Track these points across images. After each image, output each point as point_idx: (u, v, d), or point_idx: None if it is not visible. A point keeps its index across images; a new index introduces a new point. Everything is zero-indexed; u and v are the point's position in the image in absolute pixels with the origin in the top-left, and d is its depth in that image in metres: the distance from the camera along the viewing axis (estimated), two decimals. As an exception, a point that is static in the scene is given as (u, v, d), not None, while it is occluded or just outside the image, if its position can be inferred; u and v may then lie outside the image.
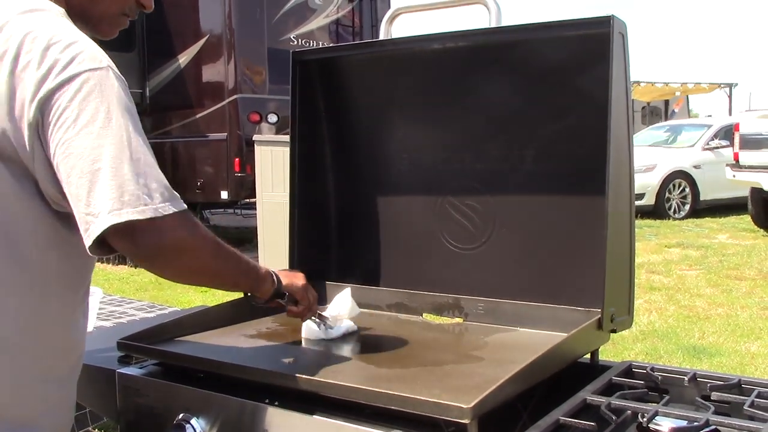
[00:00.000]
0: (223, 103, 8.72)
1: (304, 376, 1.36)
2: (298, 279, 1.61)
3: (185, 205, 1.25)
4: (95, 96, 1.19)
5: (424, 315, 1.95)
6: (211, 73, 8.92)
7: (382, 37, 1.93)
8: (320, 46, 9.18)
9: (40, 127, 1.19)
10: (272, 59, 8.77)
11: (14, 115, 1.19)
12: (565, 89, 1.77)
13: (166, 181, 1.24)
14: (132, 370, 1.59)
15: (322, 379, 1.37)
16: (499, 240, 1.88)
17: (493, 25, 1.76)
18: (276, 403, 1.37)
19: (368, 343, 1.75)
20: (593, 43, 1.60)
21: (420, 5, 1.90)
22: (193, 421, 1.44)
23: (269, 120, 8.70)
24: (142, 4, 1.43)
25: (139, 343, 1.60)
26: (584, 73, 1.71)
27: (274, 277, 1.53)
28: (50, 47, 1.20)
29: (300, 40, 9.12)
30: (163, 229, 1.20)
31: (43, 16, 1.25)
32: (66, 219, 1.26)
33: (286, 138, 2.11)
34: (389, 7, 9.73)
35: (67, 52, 1.20)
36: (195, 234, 1.27)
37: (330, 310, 1.75)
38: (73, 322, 1.39)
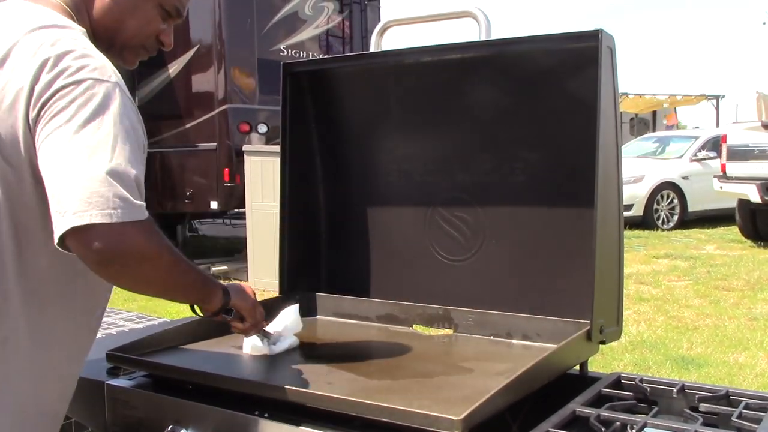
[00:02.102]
0: (213, 113, 8.71)
1: (293, 388, 1.36)
2: (248, 296, 1.58)
3: (148, 214, 1.24)
4: (94, 104, 1.22)
5: (414, 326, 1.95)
6: (201, 83, 8.92)
7: (372, 49, 1.93)
8: (310, 56, 9.20)
9: (34, 122, 1.22)
10: (262, 69, 8.77)
11: (27, 115, 1.22)
12: (553, 102, 1.79)
13: (138, 191, 1.23)
14: (121, 382, 1.59)
15: (312, 391, 1.37)
16: (488, 251, 1.89)
17: (483, 37, 1.77)
18: (266, 415, 1.37)
19: (358, 355, 1.75)
20: (582, 57, 1.61)
21: (410, 18, 1.91)
22: (183, 432, 1.43)
23: (259, 130, 8.70)
24: (162, 42, 1.48)
25: (128, 354, 1.60)
26: (573, 86, 1.73)
27: (223, 293, 1.50)
28: (66, 54, 1.23)
29: (290, 50, 9.13)
30: (124, 235, 1.19)
31: (66, 32, 1.29)
32: None
33: (276, 148, 2.11)
34: (379, 18, 9.78)
35: (80, 61, 1.24)
36: (155, 243, 1.26)
37: (273, 325, 1.73)
38: (74, 346, 1.40)
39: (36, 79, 1.22)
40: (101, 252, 1.19)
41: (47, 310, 1.34)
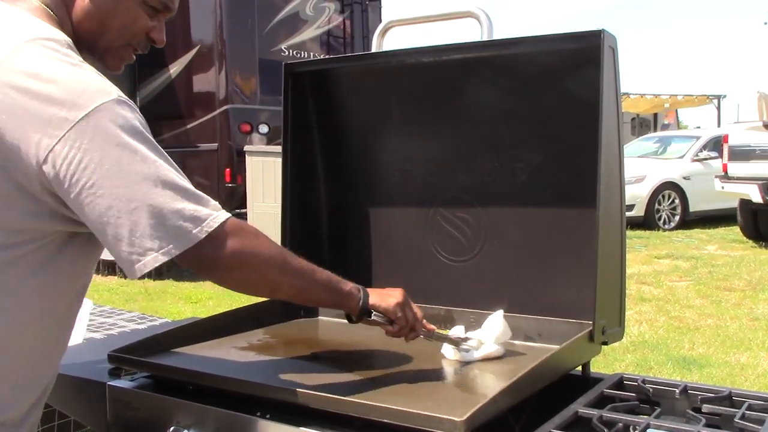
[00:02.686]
0: (214, 113, 8.72)
1: (295, 389, 1.36)
2: (392, 297, 1.51)
3: (226, 215, 1.26)
4: (114, 131, 1.18)
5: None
6: (202, 83, 8.93)
7: (374, 49, 1.93)
8: (311, 56, 9.21)
9: (50, 165, 1.16)
10: (263, 70, 8.78)
11: (19, 152, 1.16)
12: (555, 102, 1.78)
13: (199, 194, 1.26)
14: (123, 383, 1.58)
15: (313, 392, 1.36)
16: (490, 252, 1.89)
17: (485, 37, 1.77)
18: (268, 416, 1.36)
19: (360, 356, 1.75)
20: (584, 57, 1.61)
21: (412, 18, 1.91)
22: (184, 434, 1.43)
23: (260, 130, 8.71)
24: (152, 39, 1.41)
25: (130, 355, 1.59)
26: (575, 86, 1.72)
27: (360, 294, 1.47)
28: (55, 85, 1.16)
29: (291, 50, 9.14)
30: (213, 248, 1.23)
31: (49, 46, 1.21)
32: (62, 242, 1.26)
33: (277, 149, 2.12)
34: (380, 18, 9.79)
35: (75, 90, 1.17)
36: (250, 247, 1.28)
37: (476, 332, 1.67)
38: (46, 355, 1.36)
39: (33, 112, 1.16)
40: (201, 266, 1.25)
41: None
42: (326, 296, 1.45)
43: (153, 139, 1.25)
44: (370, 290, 1.50)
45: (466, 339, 1.64)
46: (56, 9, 1.32)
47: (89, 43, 1.35)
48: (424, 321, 1.58)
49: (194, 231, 1.21)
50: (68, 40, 1.27)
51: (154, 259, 1.19)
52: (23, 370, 1.31)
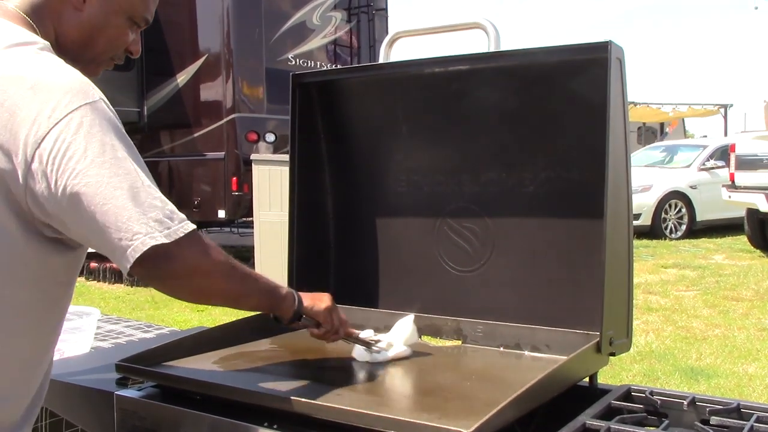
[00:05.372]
0: (221, 122, 8.75)
1: (302, 399, 1.36)
2: (322, 302, 1.60)
3: (195, 226, 1.28)
4: (97, 129, 1.21)
5: (423, 337, 1.95)
6: (209, 92, 8.96)
7: (381, 60, 1.94)
8: (318, 66, 9.24)
9: (37, 162, 1.19)
10: (270, 79, 8.81)
11: (8, 154, 1.19)
12: (562, 113, 1.79)
13: (169, 202, 1.27)
14: (130, 393, 1.59)
15: (320, 403, 1.36)
16: (497, 262, 1.89)
17: (492, 48, 1.77)
18: (275, 426, 1.36)
19: (365, 366, 1.75)
20: (591, 68, 1.61)
21: (420, 29, 1.92)
22: (192, 444, 1.43)
23: (267, 139, 8.73)
24: (130, 51, 1.47)
25: (137, 365, 1.60)
26: (582, 97, 1.73)
27: (295, 298, 1.53)
28: (39, 86, 1.20)
29: (298, 60, 9.17)
30: (179, 252, 1.24)
31: (28, 51, 1.25)
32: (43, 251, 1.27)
33: (284, 157, 2.13)
34: (387, 27, 9.82)
35: (59, 91, 1.20)
36: (207, 256, 1.30)
37: (387, 335, 1.76)
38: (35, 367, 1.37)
39: (18, 116, 1.19)
40: (160, 270, 1.25)
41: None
42: (265, 301, 1.49)
43: (132, 144, 1.28)
44: (302, 294, 1.56)
45: (377, 341, 1.71)
46: (34, 15, 1.34)
47: (75, 52, 1.39)
48: (347, 325, 1.67)
49: (174, 227, 1.23)
50: (47, 43, 1.31)
51: (142, 242, 1.19)
52: (11, 373, 1.32)
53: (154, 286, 1.30)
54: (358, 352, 1.71)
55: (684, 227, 12.67)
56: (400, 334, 1.76)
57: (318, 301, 1.59)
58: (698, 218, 12.73)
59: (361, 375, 1.67)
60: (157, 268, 1.24)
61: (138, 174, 1.23)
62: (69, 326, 2.20)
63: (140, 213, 1.20)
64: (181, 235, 1.23)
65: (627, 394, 1.52)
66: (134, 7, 1.41)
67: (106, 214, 1.19)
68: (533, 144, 1.83)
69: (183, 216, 1.27)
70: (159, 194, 1.25)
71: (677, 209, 12.66)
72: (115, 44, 1.43)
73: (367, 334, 1.75)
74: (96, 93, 1.25)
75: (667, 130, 23.30)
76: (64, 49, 1.36)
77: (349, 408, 1.32)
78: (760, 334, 6.02)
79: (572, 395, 1.48)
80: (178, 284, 1.30)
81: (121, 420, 1.56)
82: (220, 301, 1.40)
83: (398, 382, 1.60)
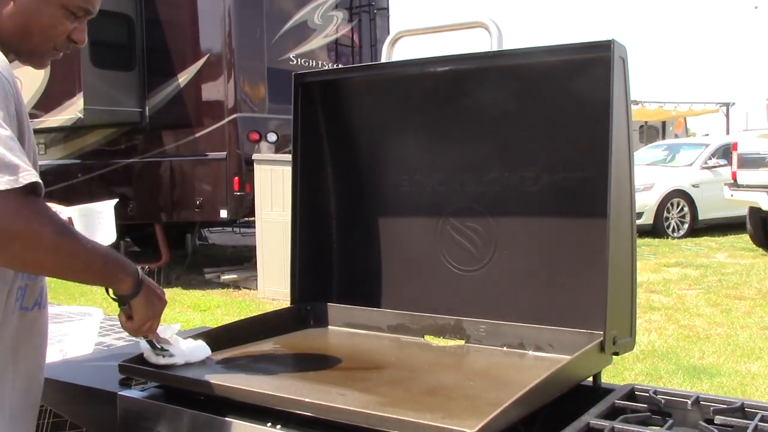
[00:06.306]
0: (223, 122, 8.74)
1: (306, 400, 1.36)
2: (155, 303, 1.49)
3: (33, 185, 1.20)
4: None
5: (426, 337, 1.95)
6: (210, 92, 8.95)
7: (383, 59, 1.94)
8: (320, 65, 9.23)
9: None
10: (272, 79, 8.79)
11: None
12: (565, 112, 1.78)
13: (16, 161, 1.19)
14: (133, 393, 1.59)
15: (324, 403, 1.36)
16: (500, 262, 1.88)
17: (495, 47, 1.77)
18: (278, 427, 1.36)
19: (370, 366, 1.75)
20: (594, 67, 1.61)
21: (422, 29, 1.92)
22: (195, 444, 1.43)
23: (268, 139, 8.72)
24: (74, 40, 1.45)
25: (140, 365, 1.60)
26: (585, 96, 1.72)
27: (134, 284, 1.42)
28: None
29: (299, 59, 9.16)
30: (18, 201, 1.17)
31: None
32: None
33: (286, 157, 2.13)
34: (388, 27, 9.80)
35: None
36: (32, 222, 1.21)
37: (177, 341, 1.65)
38: None
39: None
40: None
41: None
42: (95, 272, 1.37)
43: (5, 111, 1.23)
44: (149, 285, 1.46)
45: (167, 343, 1.61)
46: None
47: (13, 45, 1.39)
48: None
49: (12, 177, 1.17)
50: None
51: None
52: None
53: None
54: (146, 351, 1.61)
55: (686, 226, 12.64)
56: (188, 351, 1.65)
57: (153, 298, 1.48)
58: (700, 217, 12.70)
59: (363, 375, 1.67)
60: None
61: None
62: (72, 327, 2.20)
63: None
64: (25, 183, 1.17)
65: (631, 394, 1.52)
66: None
67: None
68: (536, 143, 1.83)
69: (13, 172, 1.18)
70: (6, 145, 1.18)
71: (679, 208, 12.64)
72: (50, 34, 1.41)
73: (164, 331, 1.62)
74: None
75: (670, 128, 23.28)
76: (5, 42, 1.37)
77: (353, 408, 1.32)
78: (763, 332, 6.01)
79: (576, 395, 1.48)
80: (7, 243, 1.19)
81: (123, 420, 1.57)
82: (41, 272, 1.35)
83: (402, 381, 1.60)
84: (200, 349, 1.68)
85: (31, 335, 1.44)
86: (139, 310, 1.46)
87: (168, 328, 1.64)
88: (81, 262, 1.32)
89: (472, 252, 1.92)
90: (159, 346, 1.61)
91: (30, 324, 1.44)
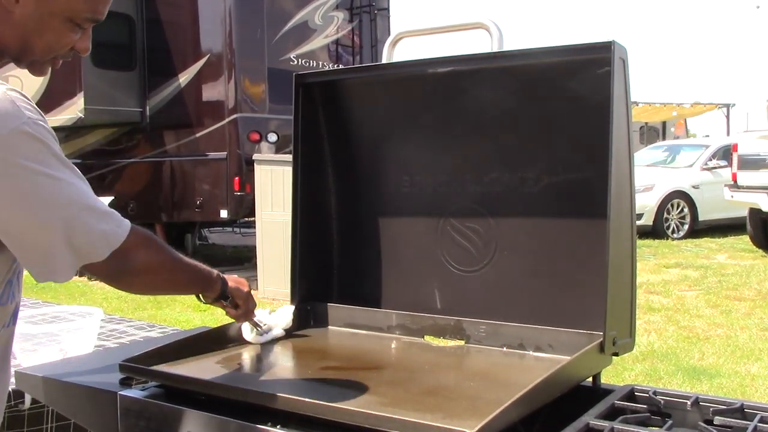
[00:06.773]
0: (223, 122, 8.75)
1: (306, 400, 1.36)
2: (243, 286, 1.73)
3: (130, 224, 1.35)
4: (22, 153, 1.18)
5: (426, 337, 1.95)
6: (211, 92, 8.96)
7: (384, 60, 1.94)
8: (320, 65, 9.24)
9: None
10: (272, 79, 8.81)
11: None
12: (565, 112, 1.78)
13: (108, 209, 1.33)
14: (134, 392, 1.59)
15: (324, 403, 1.36)
16: (500, 262, 1.88)
17: (495, 48, 1.77)
18: (279, 426, 1.37)
19: (370, 366, 1.75)
20: (594, 68, 1.61)
21: (423, 29, 1.92)
22: (195, 444, 1.43)
23: (269, 139, 8.73)
24: (77, 50, 1.36)
25: (141, 365, 1.60)
26: (585, 97, 1.72)
27: (221, 281, 1.64)
28: None
29: (300, 60, 9.17)
30: (123, 255, 1.32)
31: None
32: None
33: (286, 157, 2.14)
34: (389, 27, 9.81)
35: None
36: (155, 252, 1.41)
37: (268, 318, 1.91)
38: None
39: None
40: (110, 275, 1.36)
41: None
42: (198, 284, 1.60)
43: (63, 158, 1.27)
44: (226, 277, 1.68)
45: (263, 324, 1.88)
46: None
47: (12, 54, 1.31)
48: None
49: (99, 250, 1.30)
50: None
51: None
52: None
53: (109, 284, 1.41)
54: (246, 332, 1.85)
55: (686, 227, 12.65)
56: (280, 319, 1.94)
57: (240, 285, 1.72)
58: (700, 218, 12.71)
59: (363, 375, 1.67)
60: (100, 275, 1.35)
61: (80, 195, 1.28)
62: (72, 326, 2.20)
63: (70, 244, 1.26)
64: (116, 246, 1.31)
65: (630, 394, 1.52)
66: (74, 9, 1.28)
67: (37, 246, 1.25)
68: (537, 144, 1.83)
69: (119, 220, 1.34)
70: (97, 204, 1.31)
71: (679, 209, 12.65)
72: (56, 46, 1.31)
73: (260, 314, 1.88)
74: (11, 121, 1.17)
75: (672, 129, 23.28)
76: (5, 50, 1.29)
77: (353, 408, 1.32)
78: (762, 333, 6.01)
79: (575, 395, 1.48)
80: (128, 282, 1.41)
81: (124, 420, 1.57)
82: (164, 292, 1.61)
83: (402, 381, 1.60)
84: (288, 314, 1.96)
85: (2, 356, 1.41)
86: (239, 298, 1.71)
87: (260, 311, 1.89)
88: (191, 275, 1.57)
89: (473, 252, 1.92)
90: (261, 326, 1.85)
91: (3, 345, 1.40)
